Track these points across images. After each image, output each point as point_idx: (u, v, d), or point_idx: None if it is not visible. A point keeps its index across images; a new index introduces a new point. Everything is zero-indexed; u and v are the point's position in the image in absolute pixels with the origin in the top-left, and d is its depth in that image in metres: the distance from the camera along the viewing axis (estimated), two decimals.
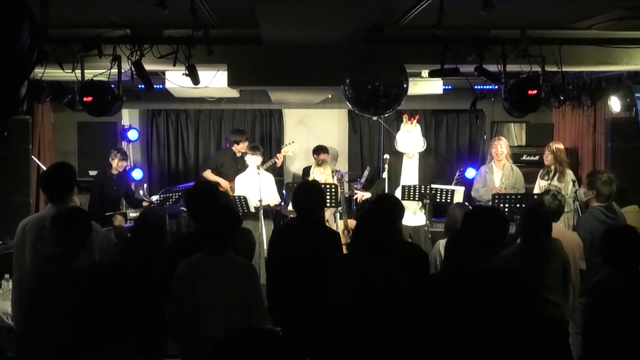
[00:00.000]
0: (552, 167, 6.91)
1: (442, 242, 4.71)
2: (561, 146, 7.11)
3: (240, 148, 7.81)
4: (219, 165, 7.97)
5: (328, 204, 6.50)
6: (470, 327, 2.93)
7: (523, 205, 5.97)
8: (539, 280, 4.01)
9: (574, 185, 6.79)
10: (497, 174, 7.06)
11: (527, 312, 3.00)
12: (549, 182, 6.85)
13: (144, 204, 7.41)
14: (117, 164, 7.53)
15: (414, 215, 6.64)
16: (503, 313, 2.93)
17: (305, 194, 4.32)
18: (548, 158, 6.96)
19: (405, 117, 6.97)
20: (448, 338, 2.98)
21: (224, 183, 7.74)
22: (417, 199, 6.54)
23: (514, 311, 2.95)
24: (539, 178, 7.10)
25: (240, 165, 7.55)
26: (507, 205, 6.14)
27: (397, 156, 6.92)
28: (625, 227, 4.01)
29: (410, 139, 6.81)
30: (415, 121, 6.93)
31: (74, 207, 4.13)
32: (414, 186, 6.60)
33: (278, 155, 7.89)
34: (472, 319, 2.93)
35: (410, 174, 6.85)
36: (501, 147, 6.91)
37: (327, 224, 6.70)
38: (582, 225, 4.96)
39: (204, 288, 3.44)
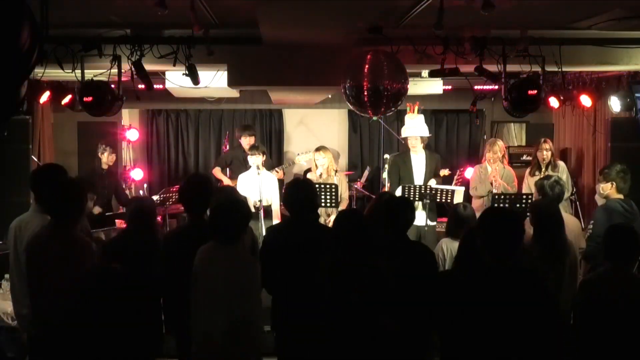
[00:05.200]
0: (544, 162, 6.94)
1: (445, 241, 4.69)
2: (550, 144, 7.14)
3: (244, 143, 7.80)
4: (228, 163, 7.98)
5: (328, 204, 6.51)
6: (486, 326, 2.92)
7: (523, 206, 5.96)
8: (553, 278, 4.02)
9: (569, 181, 6.82)
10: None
11: (545, 312, 2.99)
12: (541, 175, 6.84)
13: None
14: (107, 158, 7.39)
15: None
16: (521, 313, 2.93)
17: (297, 191, 4.28)
18: (547, 155, 6.95)
19: (409, 106, 7.04)
20: (463, 337, 2.98)
21: (227, 182, 7.75)
22: (417, 198, 6.54)
23: (532, 311, 2.94)
24: (528, 176, 7.07)
25: (248, 164, 7.54)
26: (506, 205, 6.13)
27: (405, 155, 6.93)
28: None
29: (414, 123, 6.87)
30: (416, 108, 6.99)
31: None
32: (414, 186, 6.60)
33: (295, 160, 7.92)
34: (489, 318, 2.92)
35: (418, 171, 6.86)
36: (495, 153, 6.89)
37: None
38: (598, 217, 4.95)
39: (209, 277, 3.56)
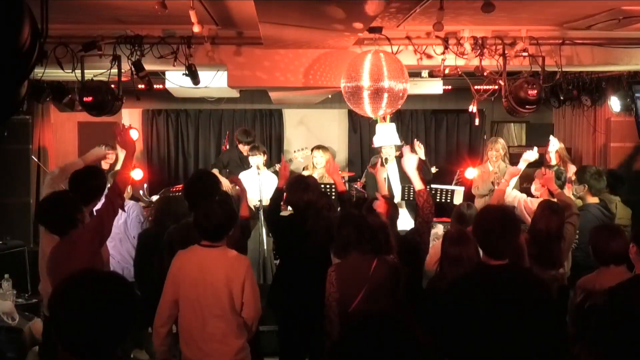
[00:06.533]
0: (554, 165, 6.88)
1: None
2: (562, 144, 7.10)
3: (244, 149, 7.81)
4: (225, 164, 7.99)
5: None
6: (485, 326, 2.92)
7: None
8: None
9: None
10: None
11: (544, 312, 2.98)
12: None
13: (139, 202, 7.36)
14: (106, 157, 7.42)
15: (405, 219, 6.62)
16: (520, 313, 2.92)
17: (296, 189, 4.31)
18: (554, 157, 6.88)
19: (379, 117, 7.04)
20: (462, 337, 2.97)
21: (225, 183, 7.74)
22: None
23: (531, 311, 2.94)
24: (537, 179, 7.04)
25: (246, 164, 7.54)
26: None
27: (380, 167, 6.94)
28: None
29: (386, 132, 6.85)
30: (387, 117, 6.98)
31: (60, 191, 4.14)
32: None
33: (292, 157, 7.93)
34: (488, 318, 2.92)
35: (394, 178, 6.88)
36: (497, 151, 6.88)
37: None
38: (582, 226, 4.92)
39: (195, 280, 3.48)
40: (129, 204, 5.42)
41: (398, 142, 6.92)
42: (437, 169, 7.96)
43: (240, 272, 3.49)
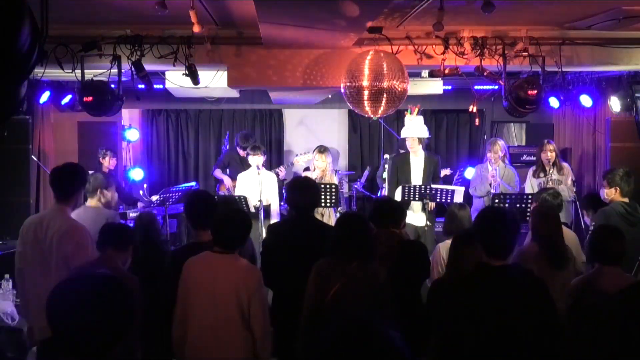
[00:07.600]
0: (549, 163, 6.90)
1: (442, 245, 4.68)
2: (554, 144, 7.13)
3: (242, 154, 7.82)
4: (226, 164, 8.02)
5: (328, 204, 6.51)
6: (485, 327, 2.92)
7: (524, 206, 5.96)
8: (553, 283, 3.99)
9: (573, 184, 6.80)
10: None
11: (544, 312, 2.98)
12: (546, 177, 6.83)
13: (139, 203, 7.38)
14: (108, 162, 7.41)
15: (415, 214, 6.64)
16: (520, 313, 2.92)
17: (298, 190, 4.31)
18: (551, 155, 6.89)
19: (410, 107, 7.06)
20: (459, 342, 2.97)
21: (227, 181, 7.78)
22: (416, 198, 6.54)
23: (531, 311, 2.93)
24: (531, 177, 7.05)
25: (246, 164, 7.55)
26: (506, 205, 6.13)
27: (404, 156, 6.95)
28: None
29: (412, 124, 6.90)
30: (416, 110, 7.01)
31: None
32: (414, 186, 6.60)
33: (293, 161, 7.95)
34: (488, 318, 2.92)
35: (417, 173, 6.87)
36: (496, 153, 6.89)
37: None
38: (600, 219, 4.92)
39: (205, 287, 3.44)
40: (110, 213, 4.94)
41: (425, 134, 6.94)
42: (452, 172, 8.00)
43: (251, 283, 3.38)
